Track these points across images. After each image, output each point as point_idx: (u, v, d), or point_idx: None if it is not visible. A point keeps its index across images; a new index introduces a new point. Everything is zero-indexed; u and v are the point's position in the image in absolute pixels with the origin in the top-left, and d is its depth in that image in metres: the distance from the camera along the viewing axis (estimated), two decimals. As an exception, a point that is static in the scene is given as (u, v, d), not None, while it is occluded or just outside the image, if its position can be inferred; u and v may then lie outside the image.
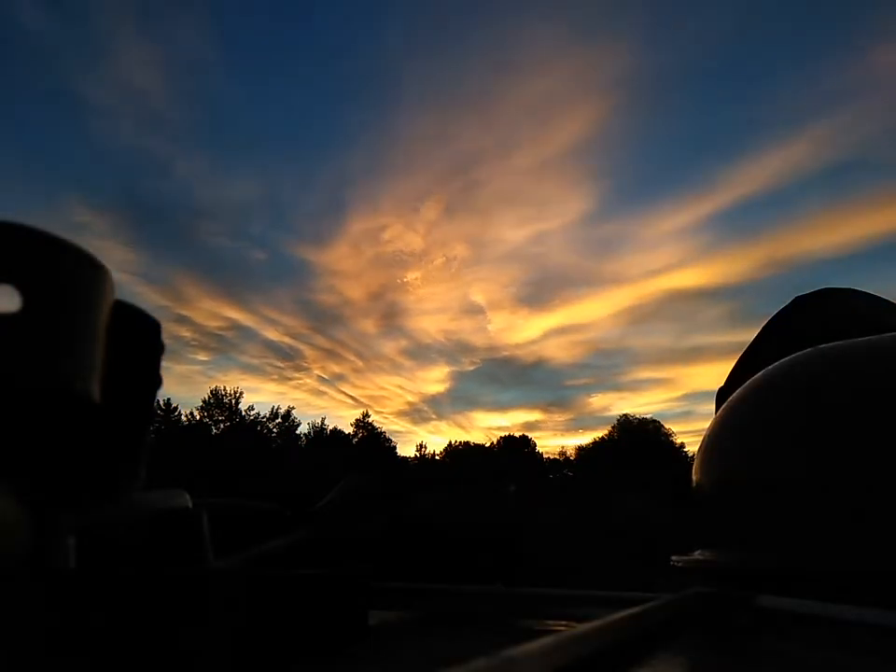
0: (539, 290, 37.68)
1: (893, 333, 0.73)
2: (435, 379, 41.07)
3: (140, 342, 0.41)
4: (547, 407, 43.19)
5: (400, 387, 41.66)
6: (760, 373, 0.80)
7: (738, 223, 34.76)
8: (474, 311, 39.16)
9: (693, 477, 0.83)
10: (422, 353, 39.84)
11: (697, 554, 0.76)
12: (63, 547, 0.37)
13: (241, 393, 30.66)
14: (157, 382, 0.43)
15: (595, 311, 37.68)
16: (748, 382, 0.82)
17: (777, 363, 0.79)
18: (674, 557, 0.79)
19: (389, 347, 38.99)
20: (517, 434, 36.70)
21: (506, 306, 37.61)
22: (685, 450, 28.62)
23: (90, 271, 0.35)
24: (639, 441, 28.45)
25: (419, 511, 1.29)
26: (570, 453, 35.87)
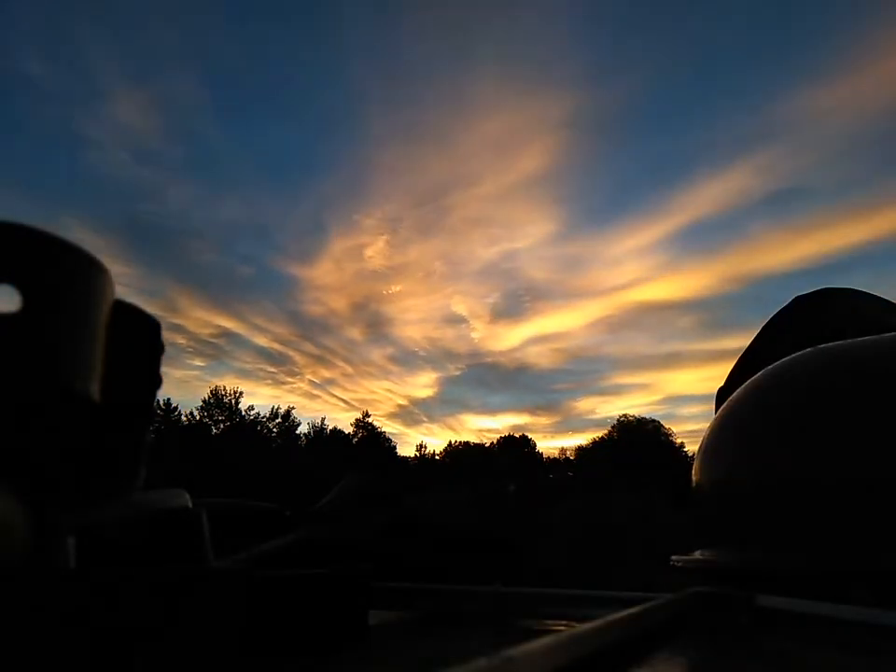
0: (516, 302, 41.01)
1: (893, 333, 0.73)
2: (423, 384, 43.28)
3: (140, 341, 0.41)
4: (534, 410, 46.19)
5: (390, 391, 43.54)
6: (760, 373, 0.80)
7: (694, 242, 39.88)
8: (456, 320, 42.63)
9: (693, 477, 0.83)
10: (409, 359, 42.23)
11: (697, 554, 0.76)
12: (63, 547, 0.37)
13: (240, 393, 30.70)
14: (157, 382, 0.43)
15: (569, 321, 41.82)
16: (747, 382, 0.82)
17: (776, 363, 0.79)
18: (674, 557, 0.79)
19: (376, 354, 41.56)
20: (517, 435, 37.11)
21: (486, 316, 41.05)
22: (685, 450, 28.86)
23: (90, 271, 0.35)
24: (639, 440, 28.46)
25: (419, 511, 1.29)
26: (570, 452, 36.30)
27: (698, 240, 40.05)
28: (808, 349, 0.76)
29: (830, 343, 0.75)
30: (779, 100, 36.52)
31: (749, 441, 0.74)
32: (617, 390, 43.01)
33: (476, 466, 25.19)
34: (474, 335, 41.39)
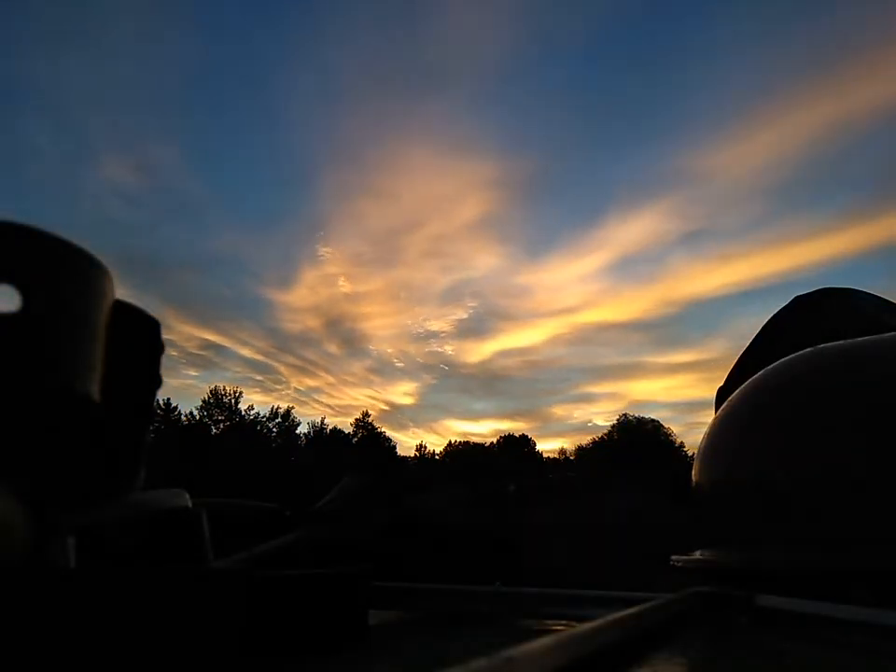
0: (480, 322, 47.23)
1: (893, 333, 0.73)
2: (404, 391, 48.16)
3: (140, 341, 0.41)
4: (513, 415, 51.06)
5: (372, 398, 48.04)
6: (759, 373, 0.80)
7: (626, 273, 47.12)
8: (428, 336, 47.55)
9: (693, 477, 0.83)
10: (387, 370, 47.07)
11: (697, 554, 0.76)
12: (63, 547, 0.37)
13: (240, 393, 30.68)
14: (157, 381, 0.43)
15: (531, 338, 47.60)
16: (747, 382, 0.82)
17: (776, 363, 0.79)
18: (674, 557, 0.79)
19: (356, 366, 46.78)
20: (516, 434, 37.48)
21: (455, 333, 46.54)
22: (685, 450, 29.01)
23: (90, 270, 0.35)
24: (639, 440, 28.50)
25: (419, 511, 1.29)
26: (570, 453, 36.63)
27: (629, 271, 47.59)
28: (808, 349, 0.76)
29: (829, 343, 0.75)
30: (687, 153, 44.96)
31: (748, 441, 0.74)
32: (587, 398, 49.87)
33: (476, 466, 25.19)
34: (448, 349, 46.95)
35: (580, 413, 49.47)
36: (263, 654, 0.52)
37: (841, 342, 0.75)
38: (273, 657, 0.52)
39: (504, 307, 47.71)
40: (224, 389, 30.21)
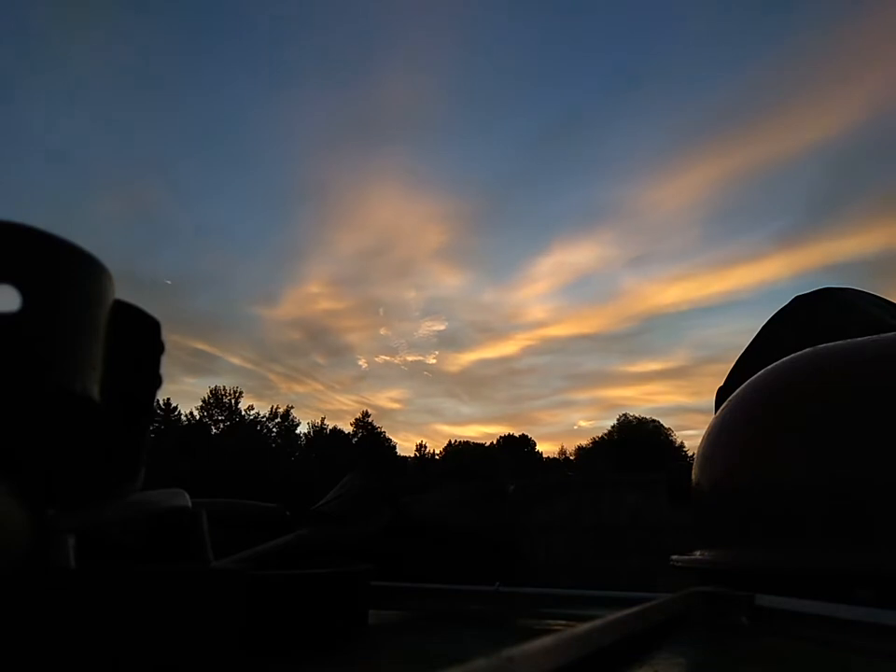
0: (455, 333, 51.73)
1: (893, 333, 0.73)
2: (388, 397, 51.41)
3: (140, 341, 0.41)
4: (498, 420, 53.82)
5: (360, 403, 51.88)
6: (759, 373, 0.80)
7: (583, 293, 52.29)
8: (408, 346, 51.56)
9: (693, 477, 0.83)
10: (371, 377, 50.35)
11: (697, 554, 0.76)
12: (63, 547, 0.37)
13: (240, 393, 30.65)
14: (157, 381, 0.43)
15: (505, 349, 51.22)
16: (747, 381, 0.82)
17: (776, 363, 0.79)
18: (674, 557, 0.79)
19: (341, 374, 49.95)
20: (516, 434, 37.62)
21: (437, 344, 50.62)
22: (685, 450, 29.06)
23: (89, 270, 0.35)
24: (639, 440, 28.51)
25: (419, 511, 1.29)
26: (570, 452, 36.75)
27: (585, 290, 53.02)
28: (808, 349, 0.76)
29: (829, 343, 0.75)
30: (631, 186, 49.86)
31: (748, 440, 0.74)
32: (566, 403, 54.20)
33: (476, 465, 25.19)
34: (429, 359, 50.58)
35: (562, 417, 54.40)
36: (264, 654, 0.52)
37: (841, 342, 0.74)
38: (273, 657, 0.52)
39: (477, 321, 52.50)
40: (224, 389, 30.24)
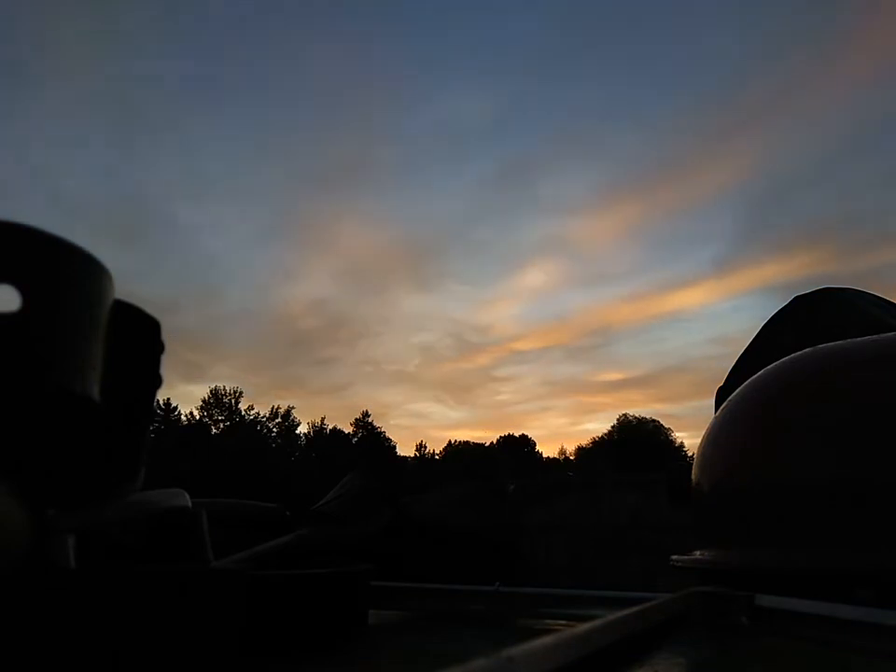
0: (440, 346, 53.46)
1: (893, 333, 0.73)
2: (384, 403, 54.01)
3: (140, 341, 0.41)
4: (489, 424, 55.68)
5: (349, 409, 53.11)
6: (759, 373, 0.80)
7: (544, 312, 56.58)
8: (399, 356, 53.78)
9: (693, 477, 0.83)
10: (361, 383, 52.13)
11: (697, 554, 0.76)
12: (63, 547, 0.37)
13: (240, 393, 30.64)
14: (157, 381, 0.43)
15: (485, 361, 53.66)
16: (747, 382, 0.82)
17: (776, 363, 0.79)
18: (674, 557, 0.79)
19: (333, 379, 51.50)
20: (516, 434, 37.66)
21: (422, 354, 52.63)
22: (685, 450, 29.09)
23: (89, 270, 0.35)
24: (639, 440, 28.51)
25: (419, 510, 1.29)
26: (570, 452, 36.79)
27: (547, 310, 57.46)
28: (808, 349, 0.76)
29: (829, 343, 0.75)
30: (576, 217, 53.40)
31: (748, 440, 0.74)
32: (554, 409, 56.83)
33: (476, 466, 25.19)
34: (417, 367, 53.32)
35: (547, 422, 57.59)
36: (264, 654, 0.52)
37: (841, 342, 0.74)
38: (273, 657, 0.52)
39: (456, 333, 55.24)
40: (224, 389, 30.24)
